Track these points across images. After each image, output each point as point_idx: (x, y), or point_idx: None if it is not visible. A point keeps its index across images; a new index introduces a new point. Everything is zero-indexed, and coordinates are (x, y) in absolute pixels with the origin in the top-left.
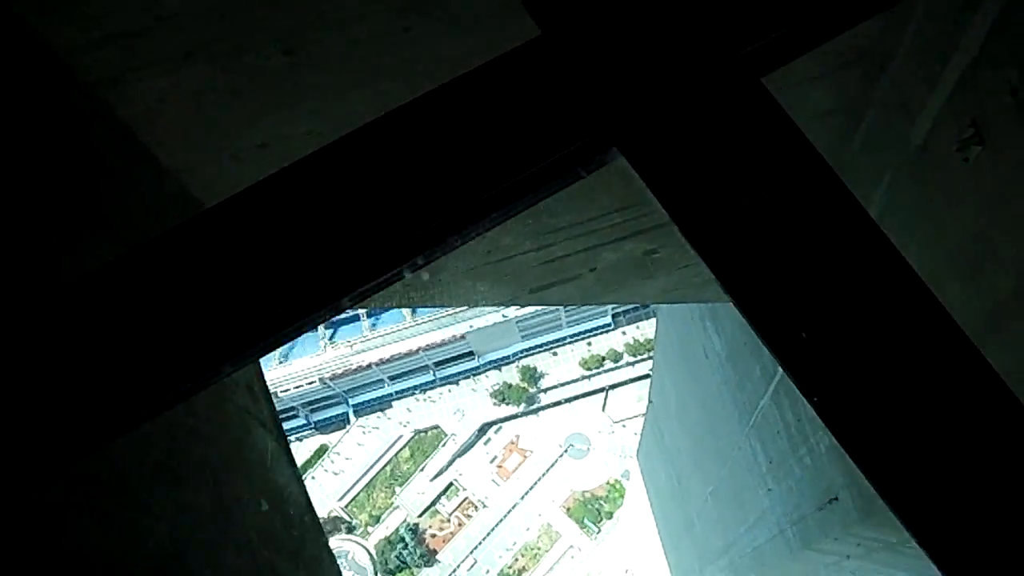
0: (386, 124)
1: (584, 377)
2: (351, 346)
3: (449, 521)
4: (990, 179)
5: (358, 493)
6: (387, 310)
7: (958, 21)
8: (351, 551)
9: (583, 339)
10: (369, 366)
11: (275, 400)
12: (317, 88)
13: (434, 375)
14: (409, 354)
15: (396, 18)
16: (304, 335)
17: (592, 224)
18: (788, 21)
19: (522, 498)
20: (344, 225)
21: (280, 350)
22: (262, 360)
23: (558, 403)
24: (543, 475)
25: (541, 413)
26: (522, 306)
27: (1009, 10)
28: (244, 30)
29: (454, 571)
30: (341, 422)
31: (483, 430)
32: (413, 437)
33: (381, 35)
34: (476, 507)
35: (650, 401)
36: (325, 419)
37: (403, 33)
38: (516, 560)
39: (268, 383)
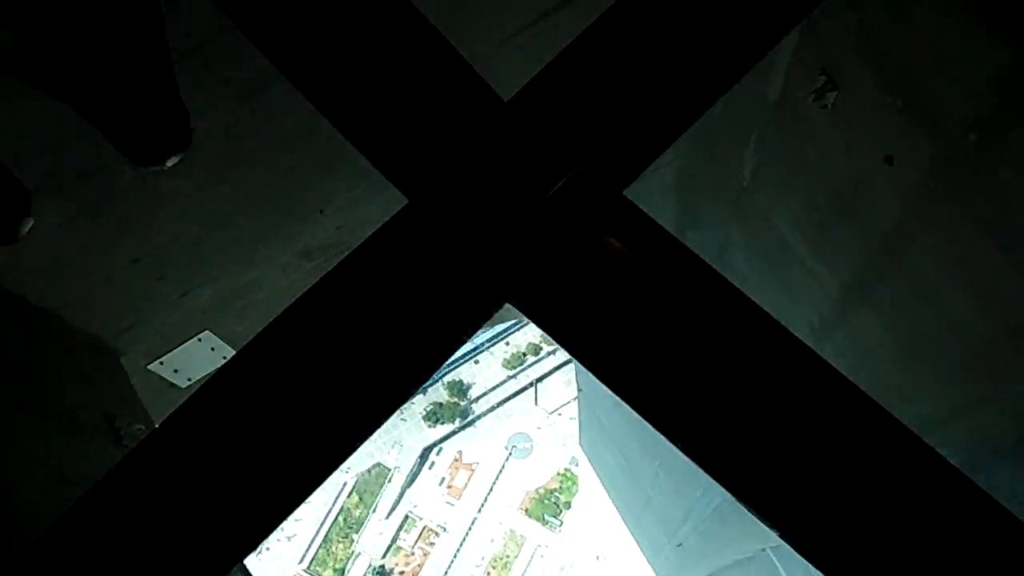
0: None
1: (510, 377)
2: None
3: (413, 554)
4: (850, 120)
5: (317, 551)
6: None
7: None
8: None
9: (500, 340)
10: None
11: None
12: (176, 190)
13: None
14: None
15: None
16: None
17: None
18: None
19: (479, 512)
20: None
21: None
22: None
23: (492, 409)
24: (494, 483)
25: (477, 424)
26: None
27: None
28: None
29: None
30: None
31: (424, 455)
32: (357, 481)
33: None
34: (437, 533)
35: (579, 388)
36: None
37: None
38: (488, 574)
39: None
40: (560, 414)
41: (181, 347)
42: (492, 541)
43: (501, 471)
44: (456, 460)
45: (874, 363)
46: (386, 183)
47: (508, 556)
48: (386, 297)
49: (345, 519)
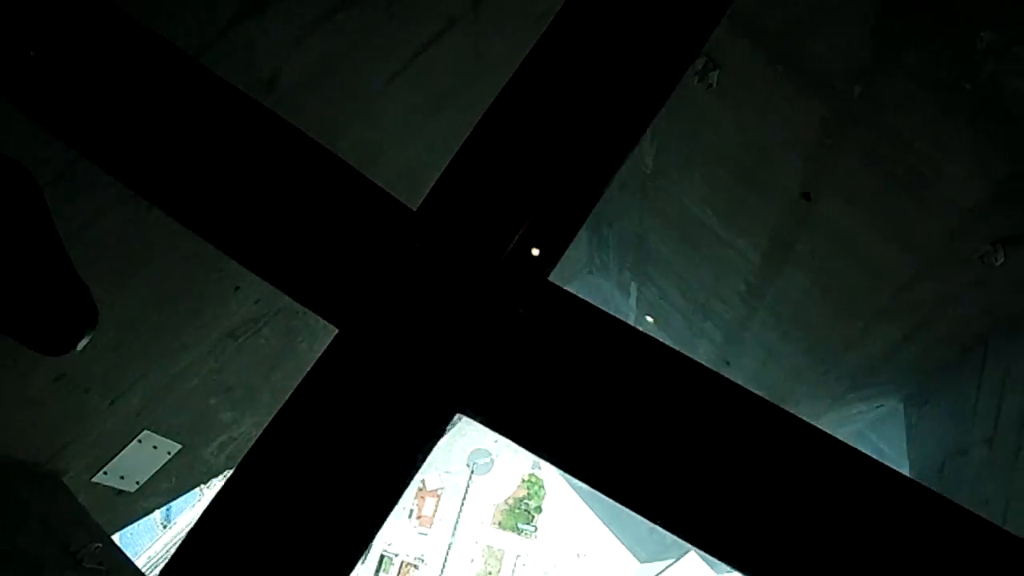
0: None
1: None
2: None
3: None
4: (737, 95)
5: None
6: None
7: None
8: None
9: None
10: None
11: None
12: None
13: None
14: None
15: None
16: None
17: None
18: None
19: (453, 535)
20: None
21: (161, 513)
22: (147, 532)
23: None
24: (462, 504)
25: (434, 449)
26: None
27: None
28: None
29: None
30: None
31: None
32: None
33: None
34: (416, 566)
35: None
36: None
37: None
38: None
39: (162, 548)
40: None
41: (122, 452)
42: (472, 561)
43: (467, 491)
44: (420, 489)
45: (809, 318)
46: None
47: (491, 572)
48: (337, 431)
49: None
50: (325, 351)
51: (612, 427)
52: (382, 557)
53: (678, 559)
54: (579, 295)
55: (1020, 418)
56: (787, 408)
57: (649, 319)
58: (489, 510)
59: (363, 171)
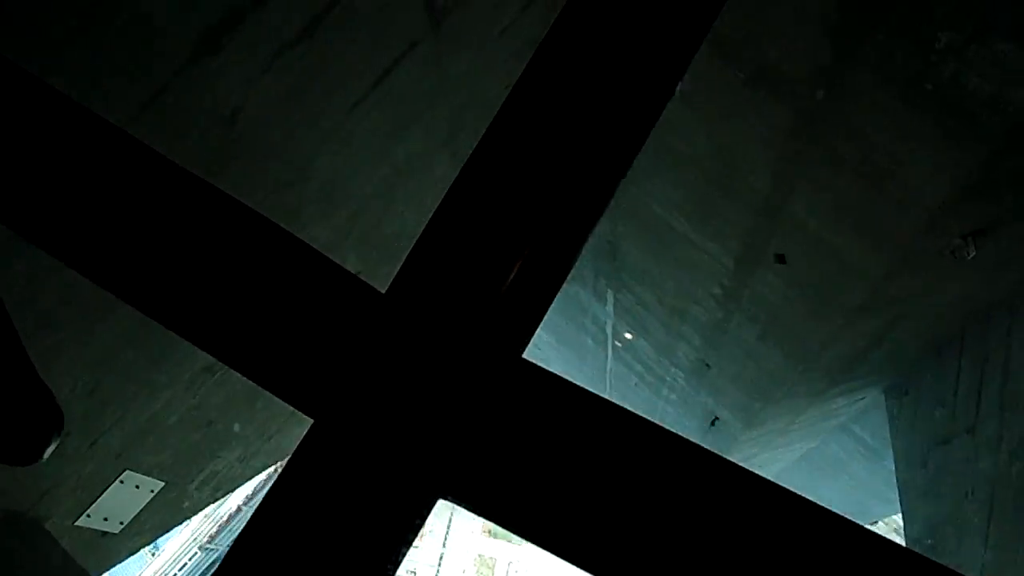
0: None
1: None
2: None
3: None
4: (702, 103)
5: None
6: None
7: None
8: None
9: None
10: (239, 509)
11: None
12: (58, 345)
13: None
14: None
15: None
16: None
17: None
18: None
19: (444, 546)
20: None
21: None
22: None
23: None
24: (452, 515)
25: None
26: None
27: None
28: None
29: None
30: None
31: None
32: None
33: None
34: None
35: None
36: None
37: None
38: None
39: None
40: None
41: (104, 494)
42: (464, 572)
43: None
44: None
45: (785, 319)
46: None
47: None
48: (317, 525)
49: None
50: (301, 443)
51: (598, 507)
52: None
53: None
54: (556, 308)
55: (1000, 404)
56: (769, 406)
57: (628, 336)
58: (479, 519)
59: (331, 198)
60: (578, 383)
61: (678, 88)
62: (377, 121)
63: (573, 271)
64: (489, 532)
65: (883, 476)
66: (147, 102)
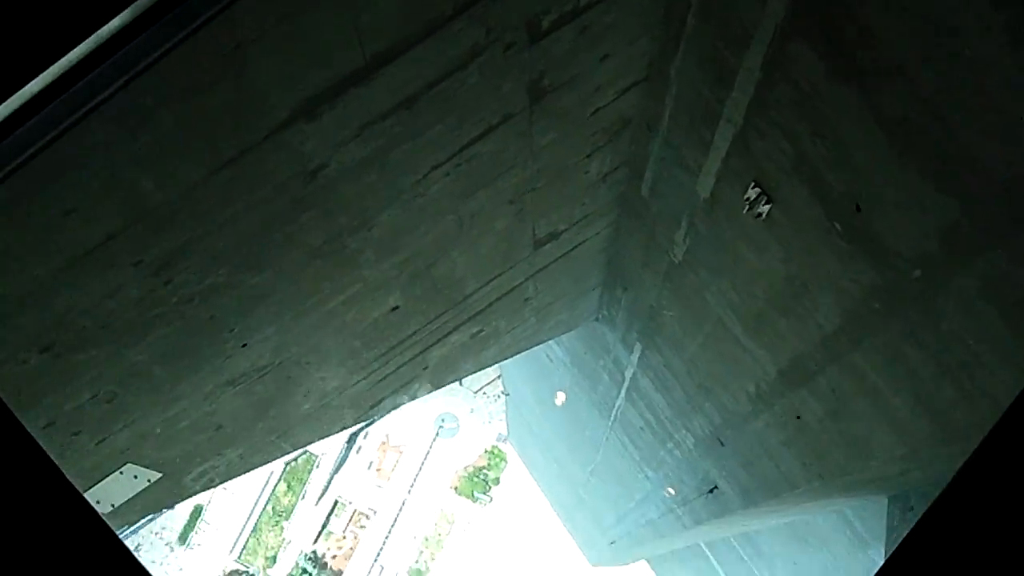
0: None
1: None
2: None
3: (345, 538)
4: (787, 233)
5: (247, 541)
6: None
7: (715, 94)
8: None
9: None
10: None
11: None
12: (87, 364)
13: None
14: None
15: None
16: None
17: (412, 339)
18: None
19: (408, 493)
20: None
21: None
22: None
23: None
24: (422, 464)
25: (403, 406)
26: (361, 421)
27: (765, 85)
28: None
29: None
30: None
31: (351, 440)
32: (285, 469)
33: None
34: (367, 516)
35: (506, 393)
36: None
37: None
38: (421, 553)
39: None
40: (485, 393)
41: (101, 482)
42: (423, 521)
43: (429, 452)
44: (383, 443)
45: (815, 441)
46: (308, 310)
47: (440, 535)
48: None
49: (274, 507)
50: None
51: None
52: (336, 502)
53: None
54: (579, 335)
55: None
56: (772, 500)
57: (671, 491)
58: (448, 474)
59: (390, 245)
60: (582, 405)
61: (764, 213)
62: (451, 183)
63: (605, 312)
64: (456, 489)
65: (865, 564)
66: (235, 157)
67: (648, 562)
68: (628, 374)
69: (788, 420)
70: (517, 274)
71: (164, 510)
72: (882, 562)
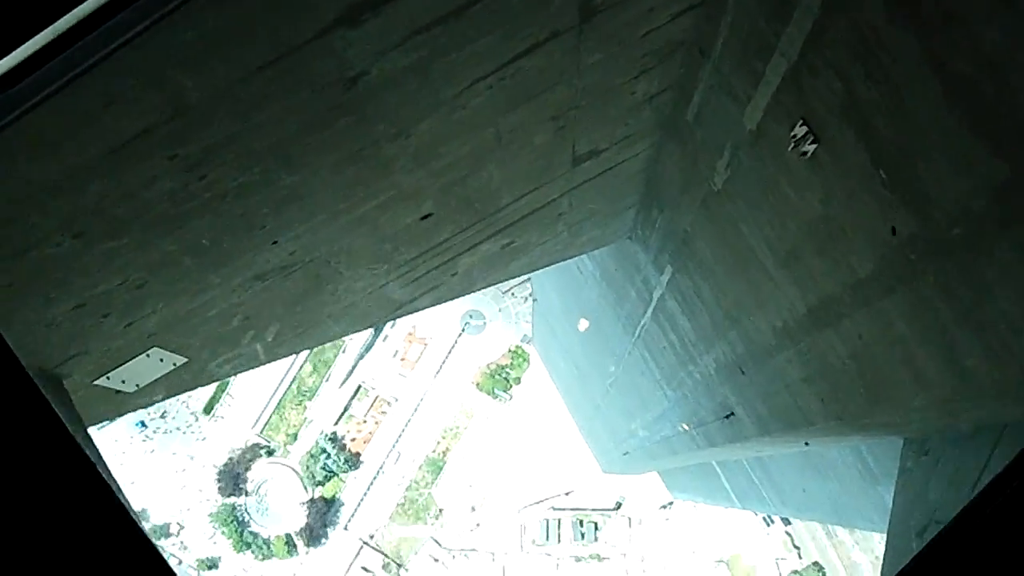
0: None
1: None
2: None
3: (365, 422)
4: (830, 174)
5: (270, 417)
6: None
7: (771, 27)
8: (275, 474)
9: None
10: None
11: None
12: (117, 251)
13: None
14: None
15: None
16: None
17: (443, 246)
18: None
19: (431, 384)
20: None
21: None
22: None
23: None
24: (446, 358)
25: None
26: (390, 320)
27: (822, 23)
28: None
29: (380, 468)
30: None
31: (378, 329)
32: (311, 351)
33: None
34: (389, 403)
35: (534, 299)
36: None
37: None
38: (438, 443)
39: None
40: (513, 294)
41: (128, 364)
42: (442, 413)
43: (454, 346)
44: (410, 334)
45: (837, 379)
46: (340, 213)
47: (458, 427)
48: None
49: (298, 387)
50: None
51: None
52: (359, 387)
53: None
54: (612, 251)
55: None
56: (789, 433)
57: (685, 427)
58: (471, 369)
59: (427, 154)
60: (608, 318)
61: (809, 152)
62: (493, 96)
63: (640, 232)
64: (477, 385)
65: (873, 499)
66: (275, 59)
67: (659, 474)
68: (656, 295)
69: (811, 358)
70: (553, 190)
71: (187, 392)
72: (891, 502)
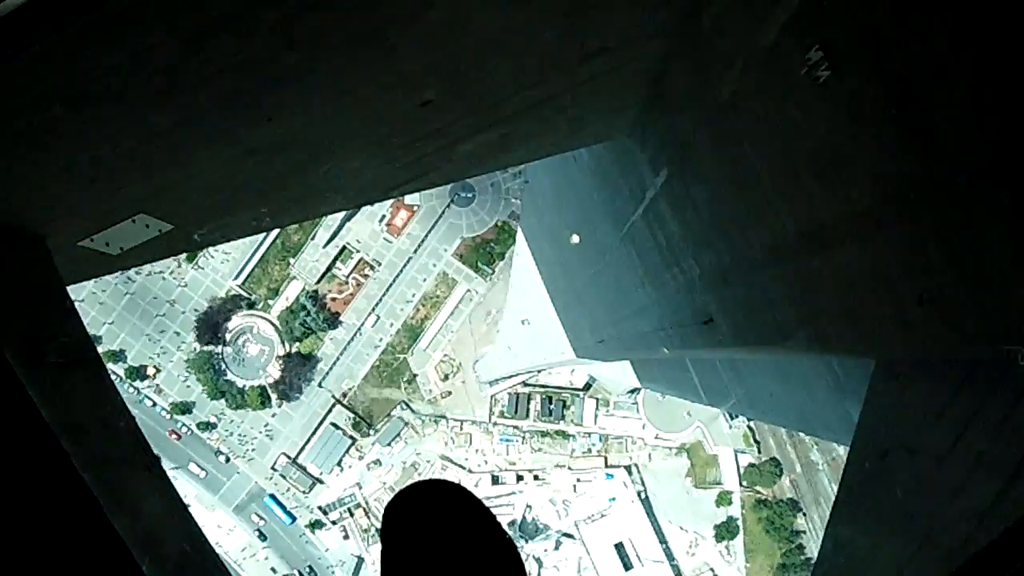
0: None
1: None
2: None
3: (347, 283)
4: (840, 103)
5: (253, 269)
6: None
7: None
8: (255, 325)
9: None
10: None
11: None
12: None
13: None
14: None
15: None
16: None
17: (441, 133)
18: None
19: (415, 252)
20: None
21: None
22: None
23: None
24: (432, 227)
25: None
26: (382, 200)
27: None
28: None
29: (359, 329)
30: None
31: None
32: None
33: None
34: (372, 266)
35: (526, 181)
36: None
37: None
38: (417, 311)
39: None
40: (506, 170)
41: (113, 227)
42: (424, 280)
43: (441, 216)
44: (398, 201)
45: (814, 302)
46: (339, 94)
47: (439, 296)
48: None
49: (283, 243)
50: None
51: None
52: (344, 248)
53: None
54: (610, 146)
55: (977, 458)
56: (766, 345)
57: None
58: (456, 241)
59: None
60: (598, 210)
61: (823, 78)
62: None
63: (639, 131)
64: (460, 257)
65: (839, 412)
66: None
67: (631, 363)
68: (649, 195)
69: (796, 279)
70: (557, 85)
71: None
72: (856, 417)
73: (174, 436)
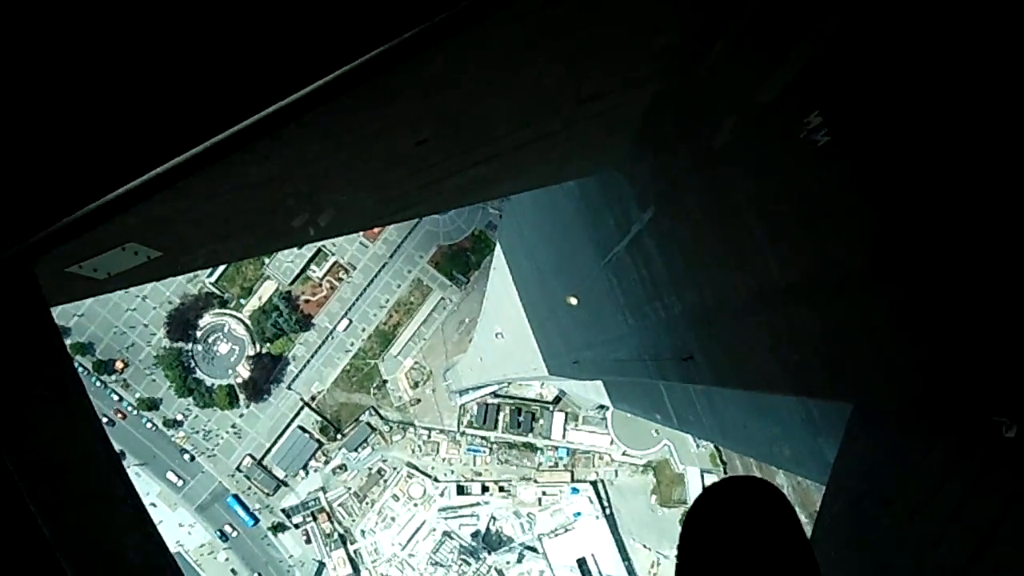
0: None
1: None
2: None
3: (321, 286)
4: (840, 171)
5: (226, 268)
6: None
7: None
8: (226, 324)
9: None
10: None
11: None
12: None
13: None
14: None
15: None
16: None
17: (433, 169)
18: None
19: (391, 257)
20: None
21: None
22: None
23: None
24: (409, 233)
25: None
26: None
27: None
28: None
29: (331, 332)
30: None
31: None
32: None
33: None
34: (347, 270)
35: (507, 198)
36: None
37: None
38: (390, 317)
39: None
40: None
41: (101, 255)
42: (398, 287)
43: (418, 223)
44: None
45: (800, 351)
46: (339, 136)
47: (412, 303)
48: None
49: None
50: None
51: None
52: (319, 250)
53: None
54: (599, 178)
55: (952, 514)
56: (740, 387)
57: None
58: (432, 248)
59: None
60: (580, 236)
61: (821, 141)
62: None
63: (628, 167)
64: (435, 264)
65: (812, 449)
66: None
67: (603, 383)
68: (635, 229)
69: (782, 328)
70: (552, 124)
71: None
72: (828, 455)
73: (119, 416)
